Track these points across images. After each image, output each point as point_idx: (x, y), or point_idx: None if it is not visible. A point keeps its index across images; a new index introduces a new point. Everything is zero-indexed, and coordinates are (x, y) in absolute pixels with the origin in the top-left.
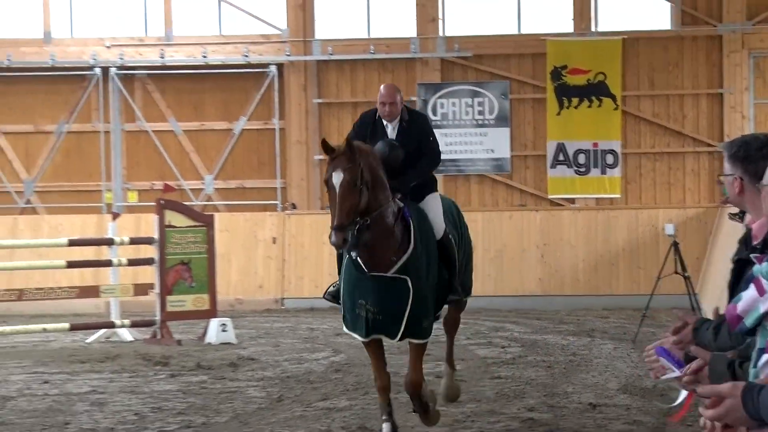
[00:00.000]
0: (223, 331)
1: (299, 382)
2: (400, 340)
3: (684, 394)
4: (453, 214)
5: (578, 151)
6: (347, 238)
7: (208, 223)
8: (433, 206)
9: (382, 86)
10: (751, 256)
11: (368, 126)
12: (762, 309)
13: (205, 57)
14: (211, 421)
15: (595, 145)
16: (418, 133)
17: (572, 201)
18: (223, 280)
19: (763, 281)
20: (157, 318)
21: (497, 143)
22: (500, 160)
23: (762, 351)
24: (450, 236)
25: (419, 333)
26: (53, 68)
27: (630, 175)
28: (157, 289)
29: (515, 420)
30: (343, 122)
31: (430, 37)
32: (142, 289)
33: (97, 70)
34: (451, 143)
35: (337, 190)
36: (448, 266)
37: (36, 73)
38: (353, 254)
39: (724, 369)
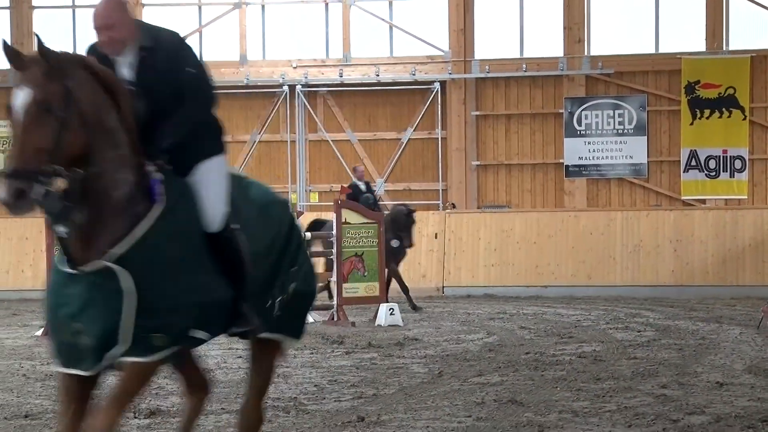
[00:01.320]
0: (391, 314)
1: (457, 360)
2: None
3: None
4: (259, 204)
5: (709, 157)
6: (28, 192)
7: (378, 220)
8: (208, 180)
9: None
10: None
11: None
12: None
13: (377, 76)
14: (380, 392)
15: (725, 151)
16: (168, 65)
17: (703, 202)
18: None
19: None
20: (335, 303)
21: (635, 150)
22: (638, 166)
23: None
24: (237, 231)
25: (140, 349)
26: (247, 86)
27: (756, 178)
28: (334, 278)
29: (649, 396)
30: (498, 132)
31: (576, 56)
32: (322, 277)
33: (285, 88)
34: (594, 150)
35: (21, 118)
36: (231, 276)
37: (233, 90)
38: (61, 229)
39: None
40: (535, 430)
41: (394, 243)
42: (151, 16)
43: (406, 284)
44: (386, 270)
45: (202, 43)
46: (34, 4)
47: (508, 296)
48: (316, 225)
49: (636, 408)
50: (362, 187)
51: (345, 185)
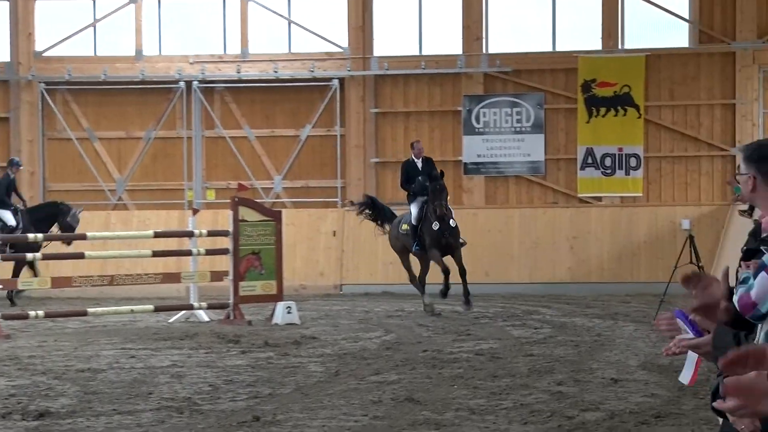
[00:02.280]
0: (288, 313)
1: (354, 358)
2: None
3: (693, 357)
4: None
5: (605, 155)
6: None
7: (276, 218)
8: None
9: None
10: (762, 247)
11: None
12: None
13: (276, 72)
14: (276, 392)
15: (620, 149)
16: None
17: (599, 199)
18: (289, 268)
19: None
20: (231, 301)
21: (533, 148)
22: (535, 163)
23: None
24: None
25: None
26: (143, 82)
27: (651, 176)
28: (230, 276)
29: (545, 393)
30: (396, 129)
31: (474, 54)
32: (217, 275)
33: (182, 84)
34: (492, 148)
35: None
36: None
37: (128, 86)
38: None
39: (730, 340)
40: (431, 428)
41: (435, 225)
42: (46, 10)
43: (446, 267)
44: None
45: (97, 37)
46: None
47: (407, 294)
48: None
49: (532, 405)
50: (419, 165)
51: (242, 182)
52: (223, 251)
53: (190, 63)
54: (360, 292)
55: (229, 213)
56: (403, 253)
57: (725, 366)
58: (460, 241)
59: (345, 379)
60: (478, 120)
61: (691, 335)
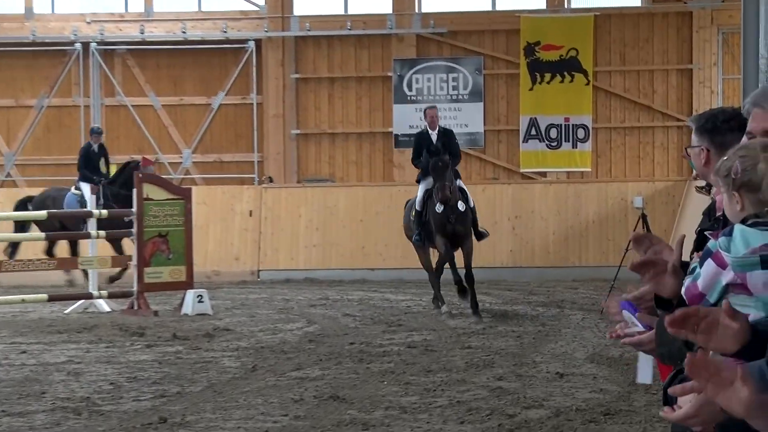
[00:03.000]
0: (200, 302)
1: (273, 352)
2: None
3: (647, 358)
4: None
5: (550, 126)
6: None
7: (185, 196)
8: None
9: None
10: (706, 232)
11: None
12: (724, 281)
13: (184, 33)
14: (186, 390)
15: (567, 119)
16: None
17: (544, 174)
18: (200, 252)
19: (723, 254)
20: (135, 289)
21: (471, 118)
22: (474, 135)
23: None
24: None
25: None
26: (34, 43)
27: (600, 149)
28: (134, 261)
29: (484, 389)
30: (320, 97)
31: (406, 13)
32: (120, 261)
33: (78, 46)
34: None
35: None
36: None
37: (17, 48)
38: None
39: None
40: (359, 428)
41: (439, 207)
42: None
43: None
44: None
45: None
46: None
47: (332, 280)
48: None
49: (469, 402)
50: (433, 137)
51: (148, 156)
52: (127, 234)
53: (87, 22)
54: (280, 279)
55: (133, 191)
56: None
57: (671, 323)
58: (480, 230)
59: (263, 376)
60: (410, 87)
61: (640, 327)
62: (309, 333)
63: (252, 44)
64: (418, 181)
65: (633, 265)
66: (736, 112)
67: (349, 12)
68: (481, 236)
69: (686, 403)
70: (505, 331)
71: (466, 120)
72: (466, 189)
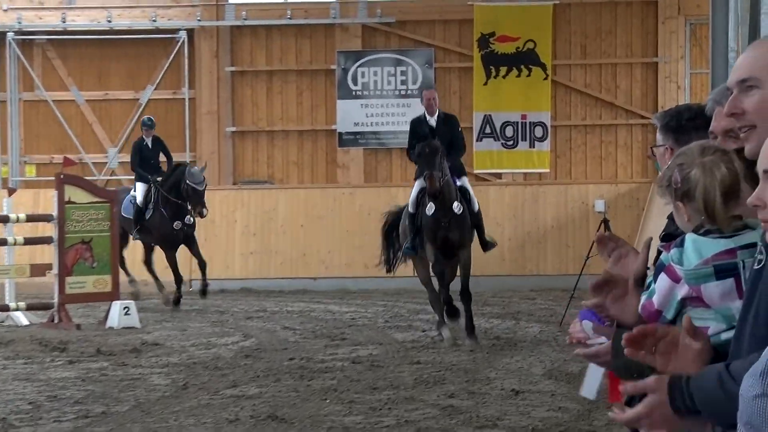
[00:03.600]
0: (126, 314)
1: (206, 369)
2: None
3: (597, 371)
4: None
5: (506, 123)
6: None
7: (111, 199)
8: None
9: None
10: (659, 245)
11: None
12: (679, 295)
13: (109, 21)
14: (111, 410)
15: (524, 117)
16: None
17: (499, 176)
18: (128, 260)
19: (676, 267)
20: (55, 300)
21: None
22: None
23: None
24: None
25: None
26: None
27: (560, 148)
28: (55, 270)
29: (434, 407)
30: (257, 92)
31: (350, 1)
32: (39, 269)
33: None
34: (372, 114)
35: None
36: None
37: None
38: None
39: None
40: None
41: (429, 209)
42: None
43: None
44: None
45: None
46: None
47: (270, 290)
48: None
49: (418, 422)
50: (432, 122)
51: (69, 156)
52: (46, 240)
53: (4, 10)
54: (213, 289)
55: (53, 193)
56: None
57: (628, 343)
58: (487, 239)
59: (195, 394)
60: (355, 81)
61: (601, 340)
62: (245, 347)
63: (183, 34)
64: (416, 179)
65: (591, 286)
66: (702, 109)
67: (289, 0)
68: (487, 246)
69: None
70: (456, 345)
71: (415, 116)
72: (469, 189)
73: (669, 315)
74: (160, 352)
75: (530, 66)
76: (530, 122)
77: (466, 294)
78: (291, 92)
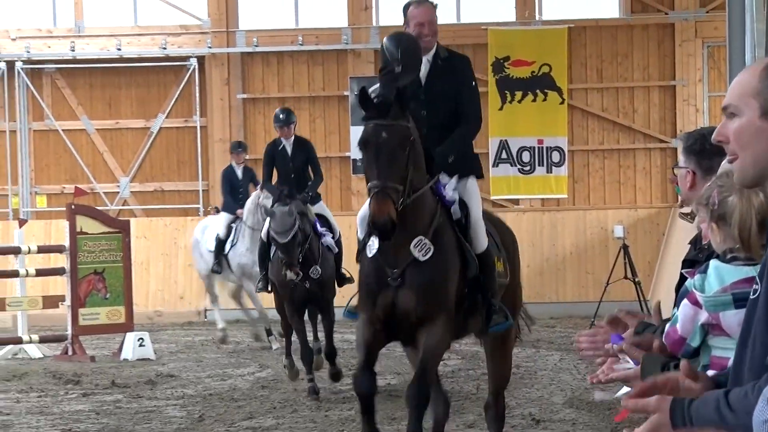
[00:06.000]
0: (141, 345)
1: (222, 400)
2: None
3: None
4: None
5: (522, 149)
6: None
7: (123, 229)
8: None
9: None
10: (683, 271)
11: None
12: (701, 320)
13: (119, 50)
14: None
15: (540, 141)
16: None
17: (516, 202)
18: (141, 290)
19: (697, 294)
20: (69, 332)
21: None
22: None
23: (706, 368)
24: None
25: None
26: None
27: (577, 173)
28: (68, 302)
29: None
30: (270, 119)
31: (362, 27)
32: (51, 301)
33: (2, 64)
34: None
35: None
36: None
37: None
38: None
39: (657, 370)
40: None
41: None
42: None
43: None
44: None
45: None
46: None
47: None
48: None
49: None
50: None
51: (81, 186)
52: (59, 271)
53: (12, 39)
54: (230, 319)
55: (65, 224)
56: None
57: (637, 395)
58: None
59: (211, 426)
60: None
61: (631, 364)
62: (261, 378)
63: (194, 61)
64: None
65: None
66: None
67: (301, 26)
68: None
69: None
70: (475, 374)
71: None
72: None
73: (694, 342)
74: (175, 383)
75: (546, 90)
76: (547, 147)
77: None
78: (304, 119)
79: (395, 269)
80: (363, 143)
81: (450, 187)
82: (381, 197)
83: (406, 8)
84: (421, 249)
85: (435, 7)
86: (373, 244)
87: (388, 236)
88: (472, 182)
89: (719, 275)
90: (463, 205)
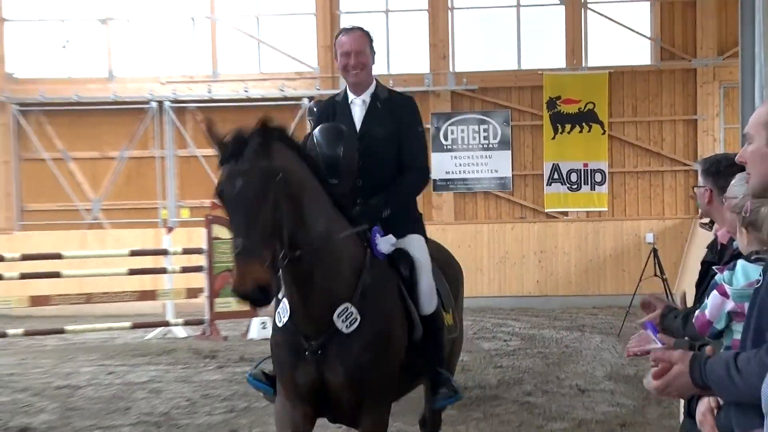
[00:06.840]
0: (263, 328)
1: None
2: None
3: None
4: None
5: (570, 171)
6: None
7: None
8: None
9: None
10: (714, 267)
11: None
12: (727, 308)
13: (246, 92)
14: (252, 405)
15: (586, 165)
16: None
17: (565, 214)
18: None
19: (726, 287)
20: (207, 317)
21: (500, 164)
22: (503, 179)
23: (728, 349)
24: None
25: None
26: (116, 102)
27: (616, 191)
28: (206, 293)
29: (514, 403)
30: None
31: (441, 72)
32: (193, 292)
33: (154, 104)
34: (460, 164)
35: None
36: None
37: (101, 107)
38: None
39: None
40: None
41: (282, 313)
42: (16, 31)
43: None
44: None
45: (68, 59)
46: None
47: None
48: None
49: (501, 415)
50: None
51: (216, 201)
52: (198, 269)
53: (162, 83)
54: None
55: (204, 231)
56: None
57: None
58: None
59: None
60: (446, 137)
61: (659, 345)
62: None
63: (306, 101)
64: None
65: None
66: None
67: (391, 72)
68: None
69: (704, 406)
70: (532, 352)
71: (496, 166)
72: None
73: (719, 325)
74: None
75: (590, 123)
76: (591, 169)
77: None
78: None
79: (313, 341)
80: (217, 194)
81: (386, 240)
82: (244, 259)
83: (336, 38)
84: (345, 319)
85: (368, 35)
86: (282, 310)
87: (262, 303)
88: (417, 237)
89: (745, 272)
90: (406, 257)
